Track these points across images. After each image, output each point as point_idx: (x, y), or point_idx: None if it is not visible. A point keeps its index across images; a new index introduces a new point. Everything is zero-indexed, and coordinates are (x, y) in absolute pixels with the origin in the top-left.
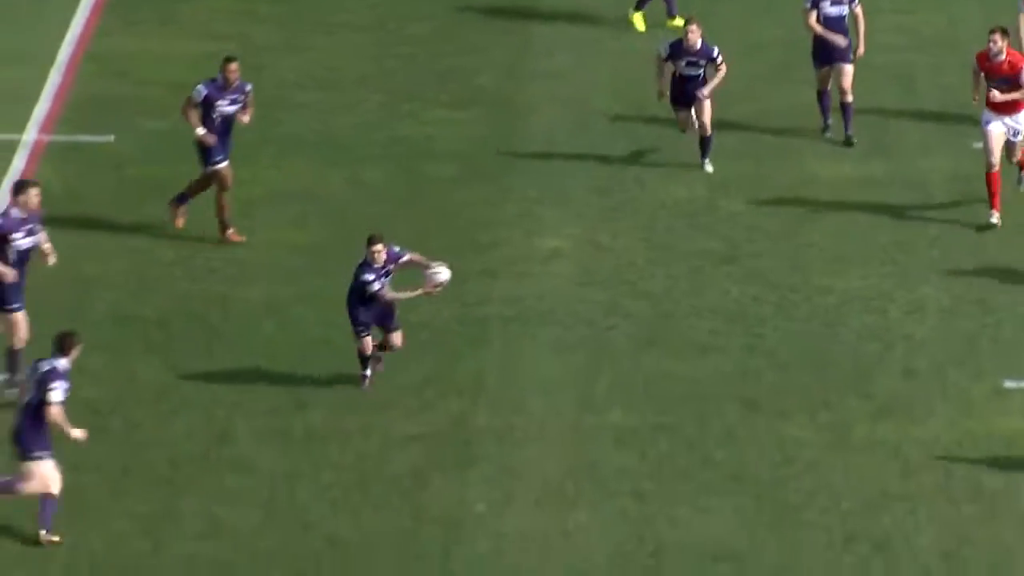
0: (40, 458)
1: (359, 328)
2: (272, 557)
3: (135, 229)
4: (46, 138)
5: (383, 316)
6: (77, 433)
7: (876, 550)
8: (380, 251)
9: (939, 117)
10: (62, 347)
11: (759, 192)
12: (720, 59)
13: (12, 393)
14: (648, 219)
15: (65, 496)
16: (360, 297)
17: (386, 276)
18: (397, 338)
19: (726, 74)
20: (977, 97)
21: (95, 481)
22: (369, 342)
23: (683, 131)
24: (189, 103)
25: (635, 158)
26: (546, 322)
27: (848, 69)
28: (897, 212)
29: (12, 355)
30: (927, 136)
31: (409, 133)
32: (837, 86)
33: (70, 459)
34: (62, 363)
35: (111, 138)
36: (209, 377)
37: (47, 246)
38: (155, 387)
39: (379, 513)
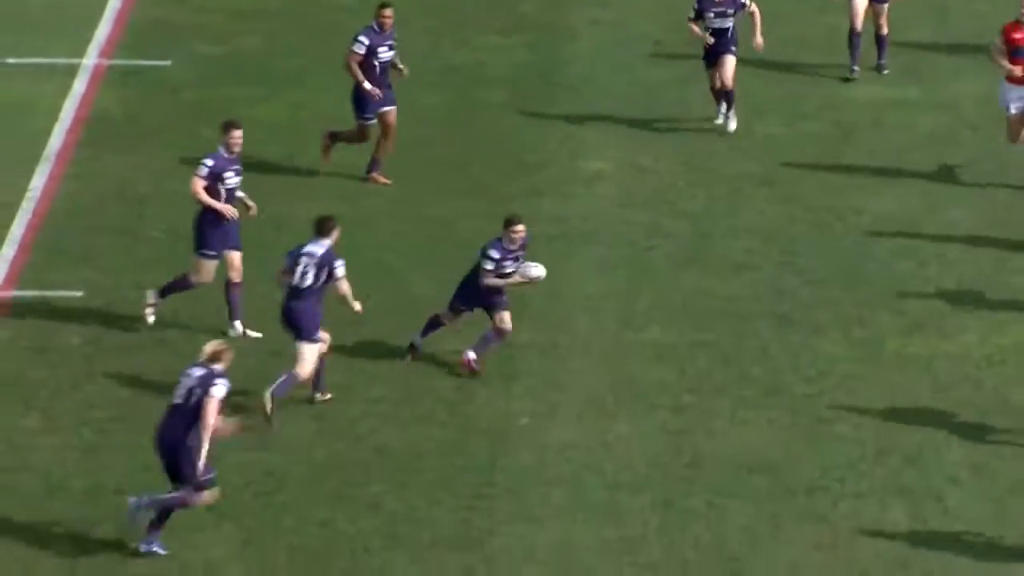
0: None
1: (457, 307)
2: (324, 466)
3: (189, 150)
4: (106, 62)
5: (491, 296)
6: (357, 306)
7: (907, 463)
8: (521, 232)
9: (972, 44)
10: (321, 230)
11: (794, 115)
12: (749, 2)
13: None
14: (688, 142)
15: (124, 408)
16: (475, 276)
17: (514, 261)
18: (507, 319)
19: (760, 13)
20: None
21: (150, 393)
22: (446, 320)
23: (713, 89)
24: (352, 56)
25: (676, 83)
26: (589, 241)
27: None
28: (929, 134)
29: (232, 288)
30: (959, 61)
31: (461, 61)
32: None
33: (128, 372)
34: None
35: (168, 63)
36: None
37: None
38: (215, 305)
39: (426, 425)
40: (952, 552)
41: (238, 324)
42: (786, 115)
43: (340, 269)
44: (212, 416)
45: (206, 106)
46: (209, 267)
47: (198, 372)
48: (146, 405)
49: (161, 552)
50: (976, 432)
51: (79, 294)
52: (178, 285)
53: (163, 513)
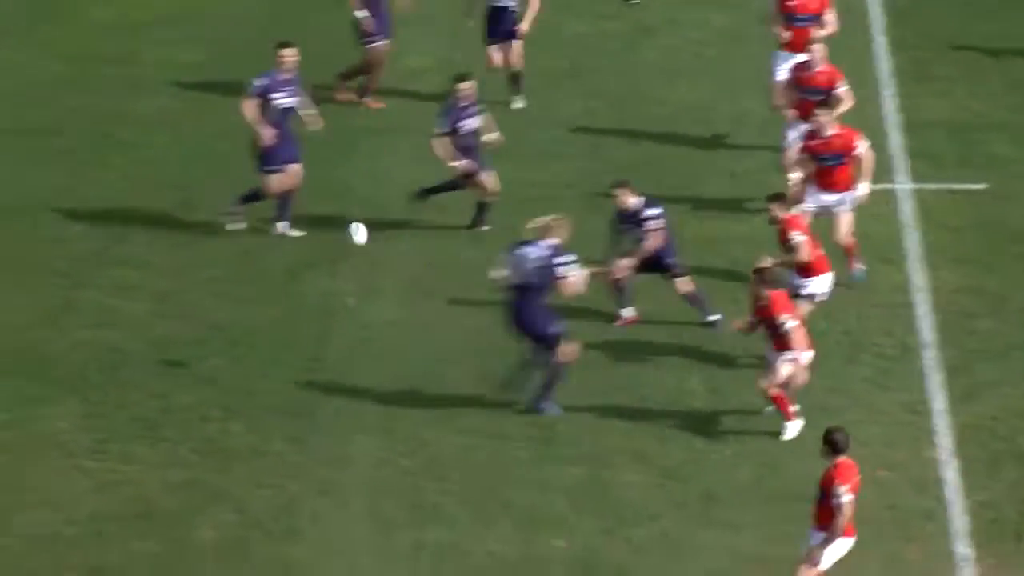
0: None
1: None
2: (163, 343)
3: None
4: None
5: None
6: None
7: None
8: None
9: None
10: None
11: (599, 13)
12: None
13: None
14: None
15: None
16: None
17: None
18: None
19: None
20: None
21: None
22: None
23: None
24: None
25: None
26: (408, 133)
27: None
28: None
29: (284, 198)
30: None
31: None
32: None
33: None
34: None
35: None
36: (106, 182)
37: (311, 112)
38: (55, 190)
39: (259, 304)
40: None
41: (281, 225)
42: (589, 16)
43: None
44: (574, 287)
45: None
46: (273, 180)
47: (535, 251)
48: None
49: (557, 412)
50: None
51: None
52: (253, 197)
53: (549, 382)
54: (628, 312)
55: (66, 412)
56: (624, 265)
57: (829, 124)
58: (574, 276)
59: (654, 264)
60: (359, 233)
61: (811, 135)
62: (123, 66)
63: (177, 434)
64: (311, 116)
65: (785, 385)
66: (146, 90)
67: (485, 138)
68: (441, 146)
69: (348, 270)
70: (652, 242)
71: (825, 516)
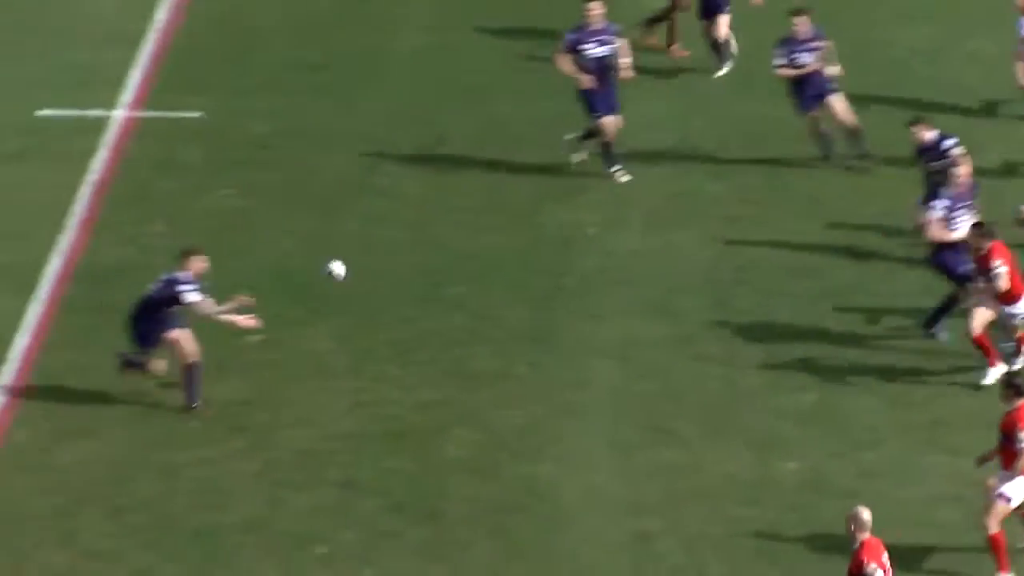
0: None
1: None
2: (414, 270)
3: None
4: None
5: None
6: None
7: (934, 277)
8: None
9: None
10: None
11: None
12: None
13: None
14: None
15: (236, 217)
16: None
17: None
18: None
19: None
20: None
21: (263, 204)
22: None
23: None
24: None
25: None
26: (652, 75)
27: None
28: None
29: (607, 146)
30: None
31: None
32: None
33: (241, 186)
34: None
35: None
36: (362, 115)
37: (625, 60)
38: (318, 123)
39: (503, 234)
40: None
41: (616, 170)
42: None
43: None
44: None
45: None
46: (605, 124)
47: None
48: (261, 212)
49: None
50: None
51: (198, 115)
52: (589, 135)
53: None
54: None
55: (324, 334)
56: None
57: None
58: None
59: None
60: (337, 268)
61: None
62: (386, 5)
63: (427, 357)
64: (625, 64)
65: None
66: (405, 28)
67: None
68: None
69: (590, 202)
70: (965, 169)
71: (1009, 459)
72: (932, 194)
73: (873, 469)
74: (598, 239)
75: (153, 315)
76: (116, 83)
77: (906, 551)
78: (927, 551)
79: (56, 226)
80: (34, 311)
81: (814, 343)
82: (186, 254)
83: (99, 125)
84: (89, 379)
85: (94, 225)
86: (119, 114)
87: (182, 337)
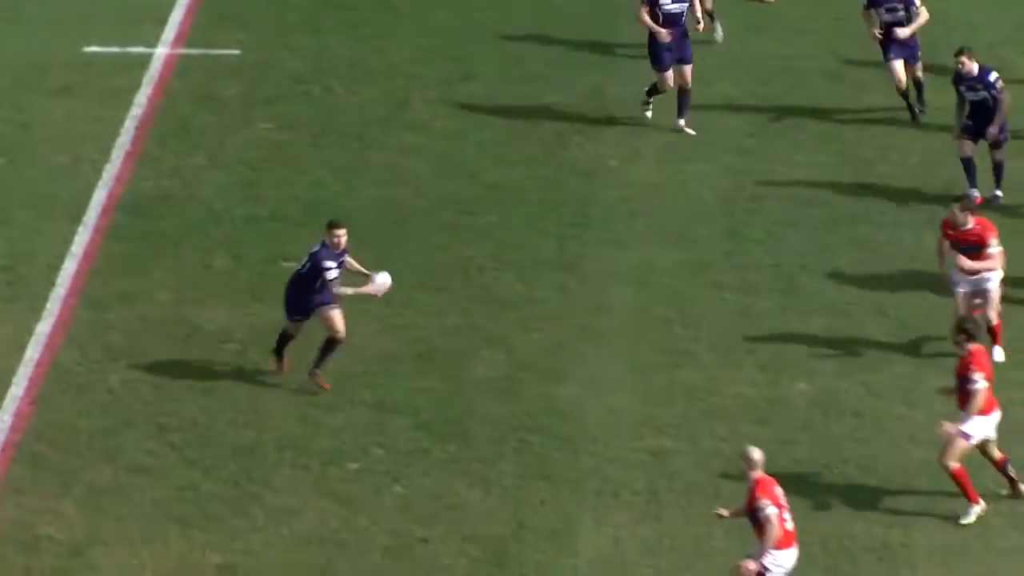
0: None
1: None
2: (442, 200)
3: None
4: None
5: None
6: None
7: (938, 201)
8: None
9: None
10: None
11: None
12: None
13: None
14: None
15: (275, 149)
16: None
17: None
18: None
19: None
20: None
21: (299, 137)
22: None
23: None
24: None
25: None
26: None
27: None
28: None
29: (683, 95)
30: None
31: None
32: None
33: (277, 120)
34: None
35: None
36: (393, 52)
37: (697, 13)
38: (347, 60)
39: (528, 165)
40: None
41: (681, 122)
42: None
43: None
44: None
45: None
46: (665, 78)
47: None
48: (297, 145)
49: None
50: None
51: (237, 52)
52: (653, 91)
53: None
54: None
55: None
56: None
57: None
58: None
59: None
60: (381, 279)
61: None
62: None
63: (455, 283)
64: (697, 17)
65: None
66: None
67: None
68: (866, 18)
69: (611, 135)
70: (1005, 100)
71: (964, 400)
72: (965, 128)
73: (880, 389)
74: (619, 171)
75: (302, 288)
76: (159, 21)
77: (912, 467)
78: (931, 467)
79: (102, 158)
80: (81, 239)
81: (823, 270)
82: (328, 226)
83: (143, 61)
84: (134, 305)
85: (137, 157)
86: (161, 51)
87: (333, 312)
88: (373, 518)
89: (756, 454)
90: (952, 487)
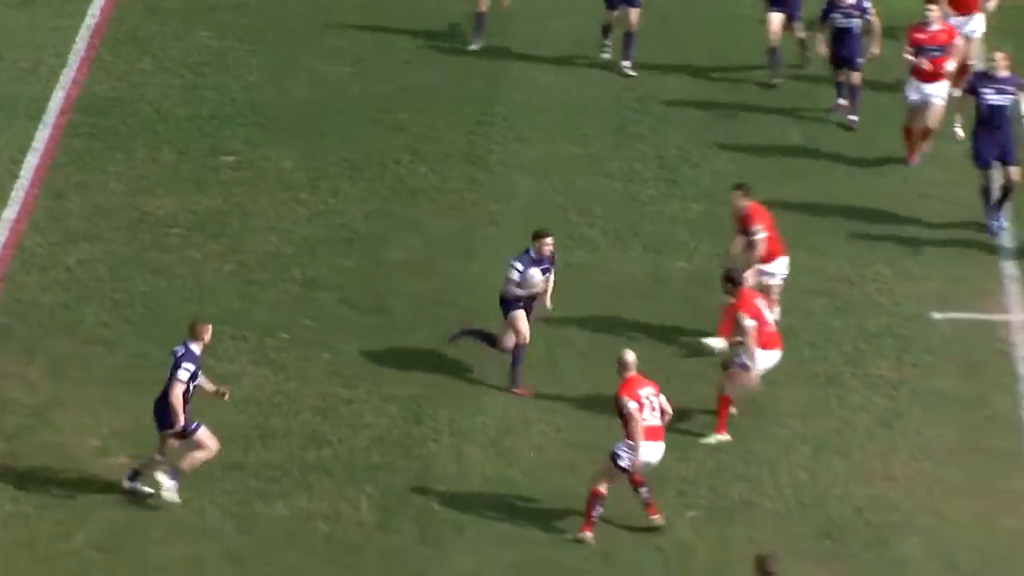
0: None
1: None
2: (362, 100)
3: None
4: None
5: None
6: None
7: (804, 100)
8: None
9: None
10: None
11: None
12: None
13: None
14: None
15: (214, 55)
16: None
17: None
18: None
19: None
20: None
21: (235, 44)
22: None
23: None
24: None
25: None
26: None
27: None
28: None
29: (628, 37)
30: None
31: None
32: None
33: (216, 28)
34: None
35: None
36: None
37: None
38: None
39: (437, 67)
40: None
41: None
42: None
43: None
44: None
45: None
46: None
47: None
48: (234, 52)
49: None
50: None
51: None
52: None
53: None
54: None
55: (287, 155)
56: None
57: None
58: None
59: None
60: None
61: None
62: None
63: (374, 173)
64: None
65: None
66: None
67: None
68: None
69: (514, 43)
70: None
71: (726, 328)
72: (838, 56)
73: None
74: (522, 74)
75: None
76: None
77: (782, 332)
78: (794, 331)
79: (60, 63)
80: (42, 135)
81: (702, 160)
82: (535, 237)
83: None
84: (90, 194)
85: (91, 63)
86: None
87: (518, 316)
88: (304, 382)
89: (629, 357)
90: (821, 344)
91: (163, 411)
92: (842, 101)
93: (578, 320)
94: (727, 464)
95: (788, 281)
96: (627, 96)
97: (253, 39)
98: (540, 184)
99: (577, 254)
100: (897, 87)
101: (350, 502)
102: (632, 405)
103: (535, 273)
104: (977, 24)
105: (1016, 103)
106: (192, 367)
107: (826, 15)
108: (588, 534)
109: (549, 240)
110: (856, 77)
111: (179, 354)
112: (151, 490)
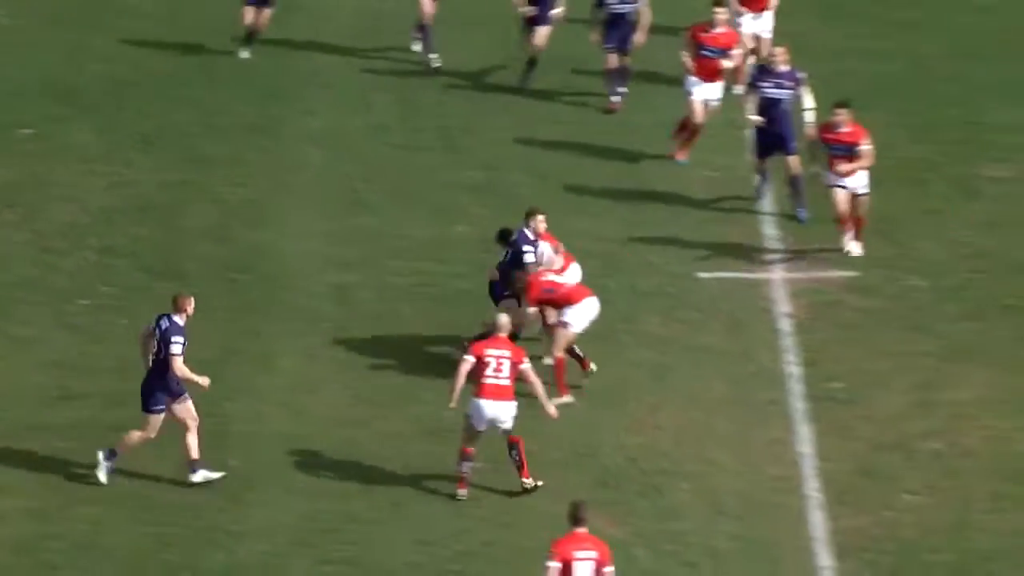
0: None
1: None
2: (159, 75)
3: None
4: None
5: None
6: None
7: (578, 72)
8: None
9: None
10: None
11: None
12: None
13: None
14: None
15: (8, 35)
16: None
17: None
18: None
19: None
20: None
21: (32, 23)
22: None
23: None
24: None
25: None
26: None
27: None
28: None
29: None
30: None
31: None
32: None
33: (10, 8)
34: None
35: None
36: None
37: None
38: None
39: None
40: None
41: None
42: None
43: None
44: None
45: None
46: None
47: None
48: (30, 30)
49: None
50: None
51: None
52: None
53: None
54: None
55: (84, 128)
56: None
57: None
58: None
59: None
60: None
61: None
62: None
63: (168, 145)
64: None
65: None
66: None
67: None
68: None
69: (300, 22)
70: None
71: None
72: (610, 37)
73: None
74: (308, 50)
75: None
76: None
77: None
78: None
79: None
80: None
81: (482, 130)
82: (527, 215)
83: None
84: None
85: None
86: None
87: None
88: (103, 346)
89: (501, 319)
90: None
91: (148, 392)
92: (618, 94)
93: (368, 283)
94: None
95: (566, 244)
96: (410, 69)
97: (49, 17)
98: (328, 154)
99: (364, 220)
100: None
101: (150, 459)
102: (468, 359)
103: (545, 247)
104: (767, 22)
105: (794, 97)
106: (182, 339)
107: (600, 2)
108: (462, 491)
109: (541, 217)
110: (623, 60)
111: (164, 327)
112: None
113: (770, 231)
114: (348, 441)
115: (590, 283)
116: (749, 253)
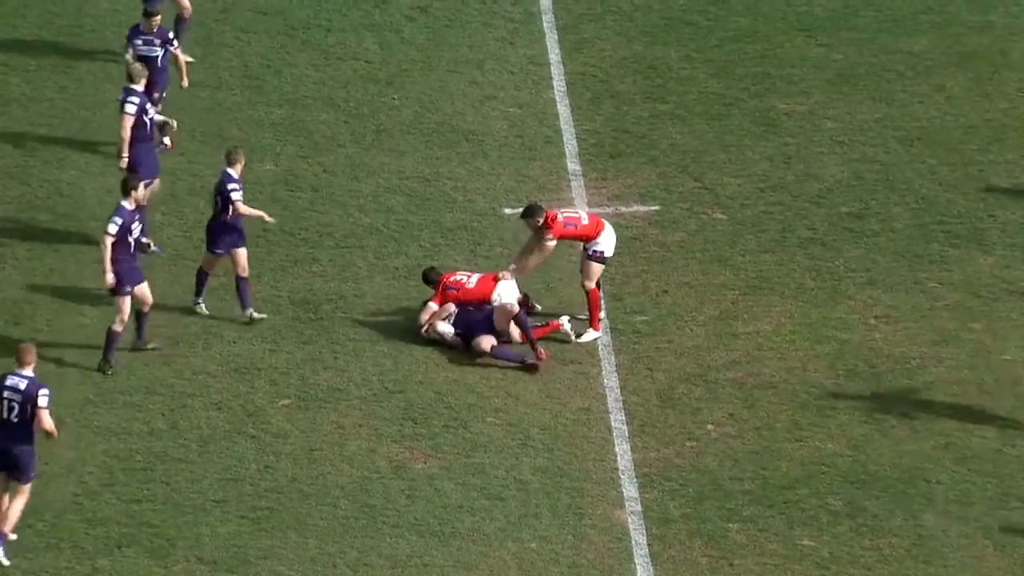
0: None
1: None
2: None
3: None
4: None
5: None
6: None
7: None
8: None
9: None
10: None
11: None
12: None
13: None
14: None
15: None
16: None
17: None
18: None
19: None
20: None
21: None
22: None
23: None
24: None
25: None
26: None
27: None
28: None
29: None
30: None
31: None
32: None
33: None
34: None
35: None
36: None
37: None
38: None
39: None
40: None
41: None
42: None
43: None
44: None
45: None
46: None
47: None
48: None
49: None
50: None
51: None
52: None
53: None
54: None
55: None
56: None
57: None
58: None
59: None
60: None
61: None
62: None
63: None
64: None
65: None
66: None
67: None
68: None
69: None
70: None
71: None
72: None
73: (333, 168)
74: None
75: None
76: None
77: (360, 231)
78: (376, 229)
79: None
80: None
81: (284, 67)
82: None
83: None
84: None
85: None
86: None
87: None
88: None
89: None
90: (402, 240)
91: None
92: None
93: (170, 222)
94: (316, 354)
95: (371, 182)
96: (211, 7)
97: None
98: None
99: (169, 159)
100: None
101: None
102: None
103: None
104: None
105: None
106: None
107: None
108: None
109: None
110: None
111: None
112: None
113: (572, 166)
114: (155, 379)
115: (394, 219)
116: (551, 187)
